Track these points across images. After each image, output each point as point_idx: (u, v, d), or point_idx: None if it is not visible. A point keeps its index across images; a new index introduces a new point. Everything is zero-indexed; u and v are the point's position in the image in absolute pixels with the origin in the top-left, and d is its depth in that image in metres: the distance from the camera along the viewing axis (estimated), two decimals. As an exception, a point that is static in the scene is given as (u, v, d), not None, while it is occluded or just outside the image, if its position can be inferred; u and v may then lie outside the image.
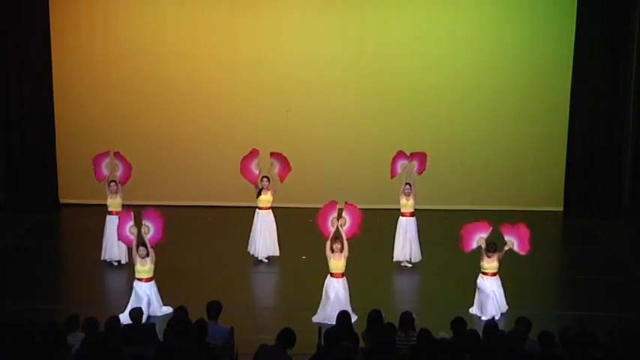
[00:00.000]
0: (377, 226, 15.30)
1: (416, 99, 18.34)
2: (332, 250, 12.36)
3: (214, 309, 9.98)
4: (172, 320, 9.69)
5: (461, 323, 9.44)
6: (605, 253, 16.04)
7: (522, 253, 12.63)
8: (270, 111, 18.42)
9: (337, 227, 12.43)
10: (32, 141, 18.08)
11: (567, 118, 18.06)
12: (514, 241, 12.57)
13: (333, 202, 12.58)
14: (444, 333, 9.59)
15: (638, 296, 13.77)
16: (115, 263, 14.83)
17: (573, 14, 17.62)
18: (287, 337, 8.90)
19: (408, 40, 18.22)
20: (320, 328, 9.68)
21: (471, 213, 17.67)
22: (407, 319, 9.76)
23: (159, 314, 12.44)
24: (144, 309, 11.70)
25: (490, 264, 12.62)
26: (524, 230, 12.62)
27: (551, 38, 18.08)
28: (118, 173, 14.96)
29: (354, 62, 18.35)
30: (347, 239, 12.39)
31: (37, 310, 11.70)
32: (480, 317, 12.53)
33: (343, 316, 9.87)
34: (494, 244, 12.62)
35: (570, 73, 17.88)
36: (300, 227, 15.49)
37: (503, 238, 12.64)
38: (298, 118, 18.44)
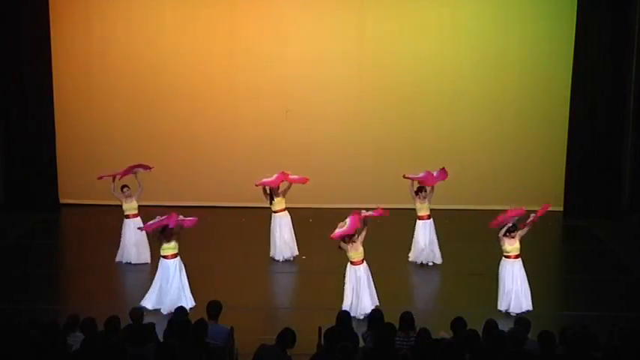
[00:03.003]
0: (377, 225, 15.28)
1: (416, 99, 18.34)
2: (346, 242, 12.47)
3: (214, 309, 9.98)
4: (172, 320, 9.69)
5: (461, 323, 9.44)
6: (605, 253, 16.04)
7: (545, 209, 12.82)
8: (270, 111, 18.42)
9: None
10: (32, 141, 18.09)
11: (567, 119, 18.06)
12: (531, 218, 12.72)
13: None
14: (444, 333, 9.58)
15: (638, 296, 13.77)
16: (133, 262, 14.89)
17: (573, 14, 17.63)
18: (287, 337, 8.90)
19: (408, 40, 18.22)
20: (320, 328, 9.67)
21: (471, 213, 17.73)
22: (407, 319, 9.76)
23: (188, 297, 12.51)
24: (169, 282, 12.32)
25: (513, 245, 12.64)
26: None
27: (552, 39, 18.09)
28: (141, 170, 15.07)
29: (354, 62, 18.36)
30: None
31: (37, 310, 11.70)
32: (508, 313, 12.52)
33: (343, 316, 9.86)
34: (513, 226, 12.66)
35: (570, 74, 17.88)
36: (300, 227, 15.48)
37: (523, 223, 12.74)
38: (298, 118, 18.44)
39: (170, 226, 12.58)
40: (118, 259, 14.94)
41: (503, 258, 12.72)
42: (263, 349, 8.92)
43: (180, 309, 10.27)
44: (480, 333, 9.14)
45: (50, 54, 18.04)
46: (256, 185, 14.80)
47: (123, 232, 14.87)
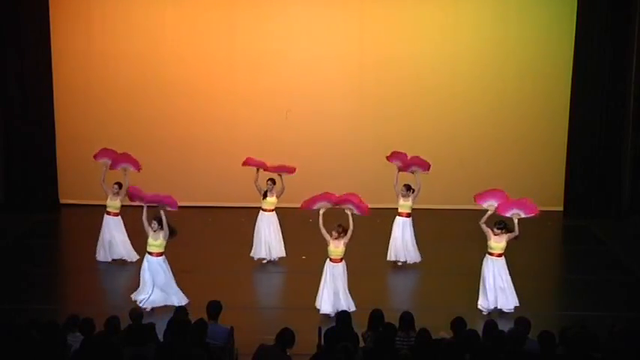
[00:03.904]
0: (377, 225, 15.30)
1: (416, 98, 18.36)
2: (330, 235, 12.48)
3: (214, 309, 9.97)
4: (172, 320, 9.68)
5: (461, 323, 9.44)
6: (605, 253, 16.04)
7: (532, 215, 12.51)
8: (270, 111, 18.44)
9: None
10: (32, 141, 18.10)
11: (567, 119, 18.09)
12: (519, 212, 12.49)
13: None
14: (444, 333, 9.58)
15: (638, 296, 13.78)
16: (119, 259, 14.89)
17: (573, 14, 17.65)
18: (286, 337, 8.90)
19: (408, 40, 18.24)
20: (320, 328, 9.67)
21: (471, 213, 17.69)
22: (407, 319, 9.76)
23: (174, 297, 12.58)
24: (149, 282, 12.45)
25: (498, 243, 12.57)
26: (524, 200, 12.58)
27: (552, 39, 18.11)
28: (131, 169, 14.95)
29: (354, 62, 18.38)
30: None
31: (37, 310, 11.70)
32: (483, 312, 12.57)
33: (343, 316, 9.86)
34: (503, 223, 12.55)
35: (570, 74, 17.89)
36: (300, 227, 15.48)
37: (505, 218, 12.59)
38: (298, 119, 18.44)
39: (145, 200, 12.60)
40: (100, 258, 14.91)
41: (487, 255, 12.71)
42: (262, 349, 8.91)
43: (181, 309, 10.27)
44: (480, 333, 9.15)
45: (50, 54, 18.04)
46: (243, 164, 14.82)
47: (103, 228, 14.87)
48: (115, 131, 18.38)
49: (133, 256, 14.85)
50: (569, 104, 18.03)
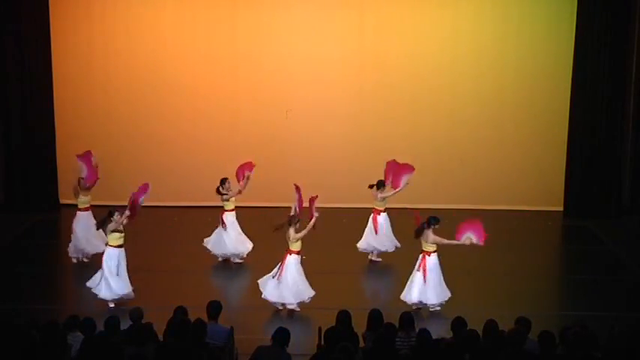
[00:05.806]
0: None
1: (416, 98, 18.35)
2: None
3: (214, 309, 9.96)
4: (172, 320, 9.68)
5: (461, 323, 9.44)
6: (605, 253, 16.04)
7: (481, 243, 12.51)
8: (270, 111, 18.43)
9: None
10: (32, 141, 18.09)
11: (567, 118, 18.08)
12: (471, 236, 12.51)
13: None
14: (444, 333, 9.58)
15: (638, 296, 13.78)
16: (87, 260, 14.89)
17: (573, 14, 17.64)
18: (282, 336, 8.88)
19: (407, 39, 18.24)
20: (320, 328, 9.67)
21: (471, 213, 17.69)
22: (407, 318, 9.76)
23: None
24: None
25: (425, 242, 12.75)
26: (475, 222, 12.56)
27: (551, 39, 18.10)
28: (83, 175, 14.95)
29: (354, 62, 18.37)
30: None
31: (37, 310, 11.71)
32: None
33: (343, 316, 9.85)
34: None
35: (570, 74, 17.89)
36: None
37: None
38: (298, 118, 18.44)
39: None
40: (74, 255, 14.94)
41: (435, 254, 12.73)
42: (261, 350, 8.89)
43: (180, 309, 10.26)
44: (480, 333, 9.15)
45: (50, 54, 18.04)
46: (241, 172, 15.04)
47: (77, 226, 14.87)
48: (115, 131, 18.39)
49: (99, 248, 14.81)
50: (569, 104, 18.02)
